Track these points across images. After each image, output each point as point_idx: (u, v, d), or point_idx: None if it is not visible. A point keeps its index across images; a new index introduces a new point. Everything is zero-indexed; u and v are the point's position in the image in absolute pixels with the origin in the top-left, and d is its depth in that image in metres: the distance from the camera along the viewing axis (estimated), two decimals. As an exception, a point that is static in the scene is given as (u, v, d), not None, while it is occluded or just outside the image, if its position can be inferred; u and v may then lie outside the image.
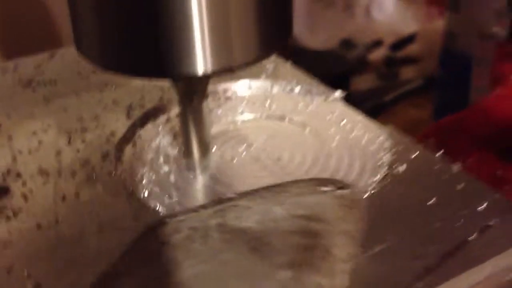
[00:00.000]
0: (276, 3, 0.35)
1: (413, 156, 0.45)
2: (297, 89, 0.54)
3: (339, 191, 0.36)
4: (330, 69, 1.47)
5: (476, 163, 0.76)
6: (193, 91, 0.38)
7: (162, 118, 0.50)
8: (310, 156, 0.45)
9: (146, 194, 0.40)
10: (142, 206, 0.39)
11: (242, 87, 0.54)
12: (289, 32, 0.37)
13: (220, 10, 0.31)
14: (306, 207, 0.34)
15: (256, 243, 0.31)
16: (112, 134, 0.47)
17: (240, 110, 0.52)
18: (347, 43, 1.63)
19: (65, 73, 0.57)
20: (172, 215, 0.35)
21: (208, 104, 0.46)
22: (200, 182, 0.41)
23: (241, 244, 0.31)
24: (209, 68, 0.32)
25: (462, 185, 0.42)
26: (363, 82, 1.54)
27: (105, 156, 0.44)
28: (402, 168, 0.43)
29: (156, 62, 0.32)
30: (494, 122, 0.70)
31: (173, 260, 0.30)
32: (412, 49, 1.65)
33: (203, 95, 0.39)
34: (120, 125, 0.48)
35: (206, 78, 0.37)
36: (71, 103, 0.51)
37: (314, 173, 0.42)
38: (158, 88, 0.52)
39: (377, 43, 1.66)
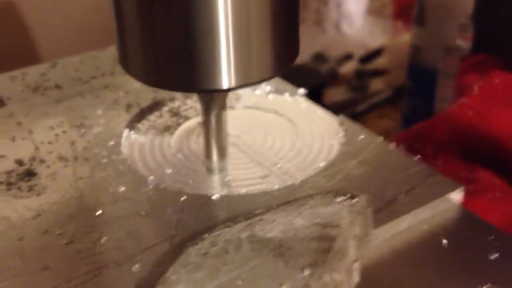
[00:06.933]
0: (286, 28, 0.40)
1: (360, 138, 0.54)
2: (267, 88, 0.60)
3: (350, 201, 0.39)
4: (304, 82, 1.49)
5: (443, 165, 0.81)
6: (215, 102, 0.43)
7: (156, 114, 0.56)
8: (279, 140, 0.52)
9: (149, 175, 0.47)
10: (142, 180, 0.46)
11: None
12: (296, 52, 0.42)
13: (243, 37, 0.37)
14: (322, 216, 0.38)
15: (280, 249, 0.36)
16: (116, 127, 0.53)
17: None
18: (319, 57, 1.67)
19: (67, 80, 0.63)
20: (210, 231, 0.39)
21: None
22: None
23: (268, 251, 0.36)
24: (232, 84, 0.38)
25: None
26: (335, 94, 1.57)
27: (111, 146, 0.50)
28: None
29: (189, 79, 0.38)
30: (458, 129, 0.75)
31: (213, 267, 0.35)
32: (380, 62, 1.69)
33: (223, 106, 0.45)
34: (122, 120, 0.54)
35: (226, 92, 0.42)
36: (78, 103, 0.58)
37: (283, 154, 0.49)
38: (151, 90, 0.58)
39: (347, 57, 1.70)
